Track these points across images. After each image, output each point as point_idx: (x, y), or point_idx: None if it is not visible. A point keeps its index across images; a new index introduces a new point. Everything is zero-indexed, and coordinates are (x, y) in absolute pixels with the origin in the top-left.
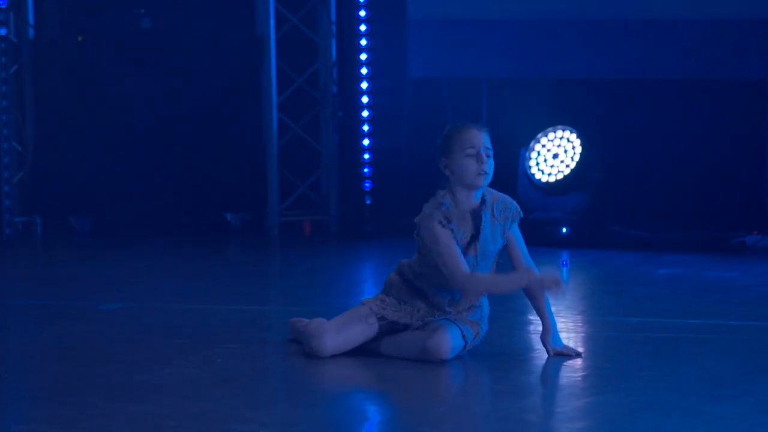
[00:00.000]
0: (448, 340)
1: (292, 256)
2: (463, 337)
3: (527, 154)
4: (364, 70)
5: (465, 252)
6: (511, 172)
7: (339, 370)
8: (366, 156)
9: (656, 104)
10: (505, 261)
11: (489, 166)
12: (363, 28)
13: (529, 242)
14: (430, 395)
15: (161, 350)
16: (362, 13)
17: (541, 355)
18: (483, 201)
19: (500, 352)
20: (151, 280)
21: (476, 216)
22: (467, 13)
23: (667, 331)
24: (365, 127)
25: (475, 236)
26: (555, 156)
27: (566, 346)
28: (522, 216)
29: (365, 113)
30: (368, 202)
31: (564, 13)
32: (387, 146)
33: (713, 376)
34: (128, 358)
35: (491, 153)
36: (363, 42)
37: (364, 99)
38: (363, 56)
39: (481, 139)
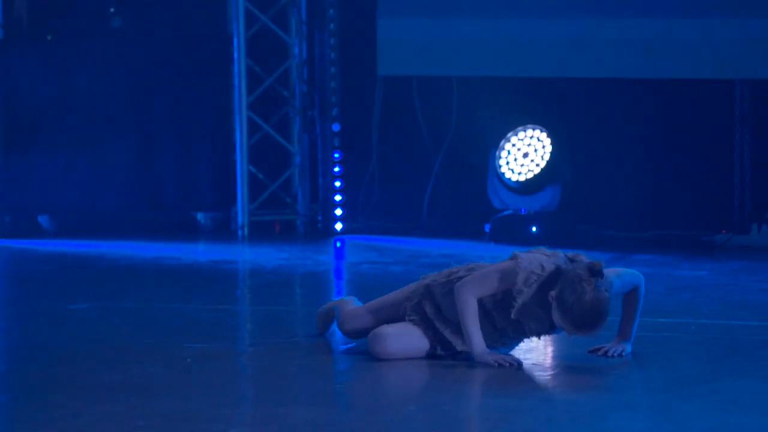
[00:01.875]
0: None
1: (262, 255)
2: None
3: (498, 153)
4: (333, 69)
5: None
6: (482, 171)
7: (309, 369)
8: (336, 155)
9: (626, 104)
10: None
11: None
12: (333, 26)
13: (499, 240)
14: (400, 394)
15: (130, 350)
16: (332, 11)
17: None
18: None
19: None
20: (120, 280)
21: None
22: (438, 12)
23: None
24: (335, 126)
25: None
26: (525, 155)
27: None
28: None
29: (335, 112)
30: (338, 200)
31: (536, 13)
32: (357, 145)
33: (682, 375)
34: (97, 358)
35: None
36: (333, 41)
37: (334, 98)
38: (333, 55)
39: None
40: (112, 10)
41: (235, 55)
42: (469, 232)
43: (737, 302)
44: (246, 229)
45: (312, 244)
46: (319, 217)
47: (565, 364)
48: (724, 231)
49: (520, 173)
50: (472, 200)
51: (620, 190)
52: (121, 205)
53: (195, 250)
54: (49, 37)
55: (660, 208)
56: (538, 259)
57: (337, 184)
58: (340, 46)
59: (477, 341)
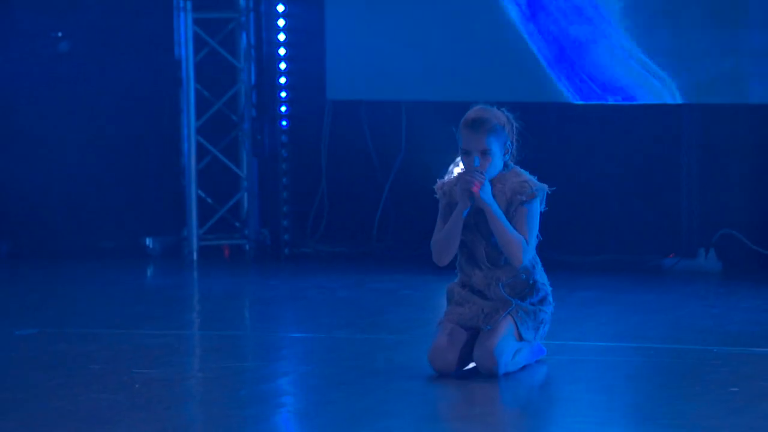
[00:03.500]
0: (492, 356)
1: (210, 280)
2: (519, 337)
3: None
4: (283, 94)
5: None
6: (432, 196)
7: (258, 395)
8: (284, 180)
9: (574, 129)
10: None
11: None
12: (282, 51)
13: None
14: (355, 417)
15: (78, 376)
16: (281, 36)
17: (458, 379)
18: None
19: (418, 374)
20: (68, 305)
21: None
22: (386, 36)
23: (583, 354)
24: (284, 151)
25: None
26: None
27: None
28: (526, 201)
29: (284, 137)
30: (287, 225)
31: (484, 37)
32: (306, 170)
33: (629, 399)
34: (44, 384)
35: (490, 152)
36: (282, 65)
37: (283, 122)
38: (282, 79)
39: (475, 142)
40: (59, 34)
41: (184, 80)
42: (418, 257)
43: (685, 326)
44: (195, 254)
45: (261, 268)
46: (268, 242)
47: (510, 390)
48: (671, 255)
49: None
50: (422, 225)
51: (568, 215)
52: (68, 229)
53: (144, 275)
54: None
55: (607, 232)
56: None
57: (286, 208)
58: (289, 71)
59: (454, 216)
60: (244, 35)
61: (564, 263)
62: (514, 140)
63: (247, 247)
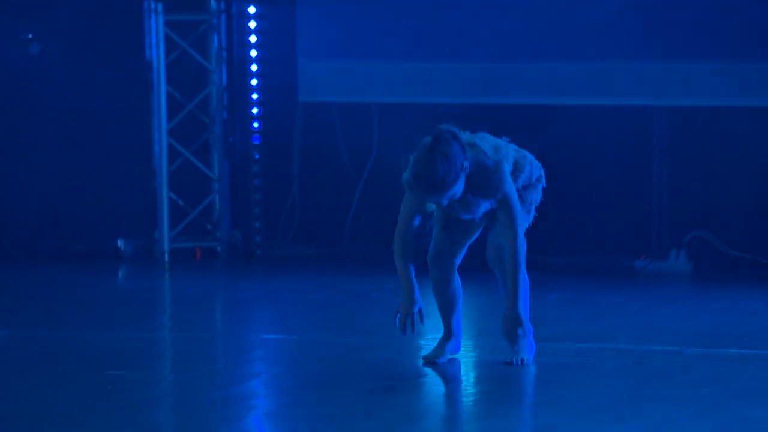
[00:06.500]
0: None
1: (182, 282)
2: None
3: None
4: (254, 96)
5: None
6: (401, 199)
7: (230, 397)
8: (256, 181)
9: (544, 130)
10: None
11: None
12: (254, 53)
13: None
14: (327, 419)
15: (49, 378)
16: (253, 38)
17: (431, 380)
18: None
19: (390, 376)
20: (39, 307)
21: None
22: (358, 38)
23: (555, 356)
24: (256, 153)
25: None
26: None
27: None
28: (497, 195)
29: (256, 139)
30: (258, 226)
31: (454, 39)
32: (277, 172)
33: (601, 400)
34: (15, 387)
35: (453, 196)
36: (254, 67)
37: (255, 124)
38: (254, 81)
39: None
40: (29, 36)
41: (155, 82)
42: (390, 259)
43: (656, 328)
44: (167, 256)
45: (233, 270)
46: (240, 244)
47: (485, 389)
48: (643, 257)
49: None
50: (394, 226)
51: (539, 217)
52: (40, 231)
53: (115, 277)
54: None
55: (579, 235)
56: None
57: (258, 210)
58: (260, 73)
59: (405, 291)
60: (215, 37)
61: (536, 265)
62: (463, 144)
63: (219, 249)
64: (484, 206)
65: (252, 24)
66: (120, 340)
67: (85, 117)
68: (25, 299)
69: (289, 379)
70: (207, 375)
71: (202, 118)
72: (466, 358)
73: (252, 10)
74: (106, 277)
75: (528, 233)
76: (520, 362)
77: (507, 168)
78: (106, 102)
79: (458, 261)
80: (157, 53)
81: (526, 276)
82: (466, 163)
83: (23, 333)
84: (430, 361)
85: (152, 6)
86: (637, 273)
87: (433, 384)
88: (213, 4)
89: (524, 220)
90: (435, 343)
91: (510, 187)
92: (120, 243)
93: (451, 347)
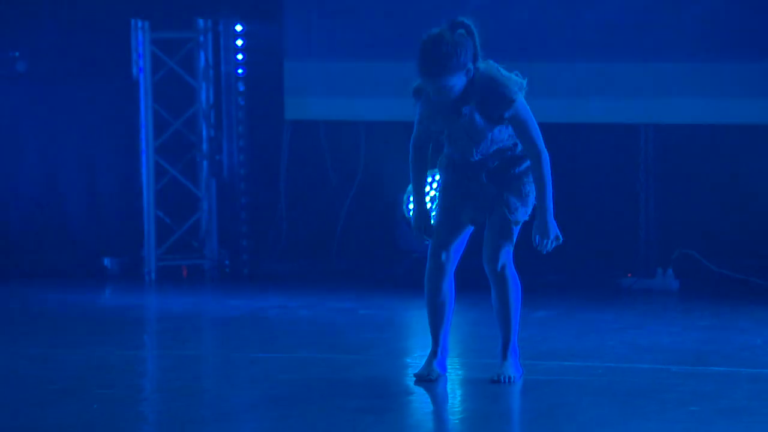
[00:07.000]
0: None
1: (169, 300)
2: (511, 220)
3: (406, 197)
4: (241, 114)
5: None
6: (391, 215)
7: (218, 415)
8: (243, 200)
9: None
10: None
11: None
12: (240, 71)
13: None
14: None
15: (35, 396)
16: (240, 56)
17: (418, 398)
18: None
19: (378, 394)
20: (26, 325)
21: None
22: (345, 56)
23: (542, 374)
24: (242, 171)
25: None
26: (433, 199)
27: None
28: (510, 110)
29: (243, 157)
30: (245, 244)
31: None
32: (265, 189)
33: (588, 418)
34: (1, 405)
35: (448, 87)
36: (240, 85)
37: (242, 142)
38: (240, 99)
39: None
40: (16, 54)
41: (142, 99)
42: (377, 276)
43: (643, 346)
44: (153, 274)
45: (219, 288)
46: (227, 261)
47: (474, 407)
48: (630, 274)
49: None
50: (381, 244)
51: (526, 234)
52: (26, 249)
53: (102, 295)
54: None
55: (566, 252)
56: None
57: (245, 228)
58: (247, 91)
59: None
60: (202, 55)
61: (522, 283)
62: (477, 49)
63: (206, 267)
64: (490, 134)
65: (239, 42)
66: (106, 357)
67: (71, 135)
68: (11, 317)
69: (276, 397)
70: (194, 393)
71: (189, 136)
72: (453, 376)
73: (239, 27)
74: (92, 295)
75: (515, 250)
76: (506, 380)
77: (521, 98)
78: (93, 119)
79: (453, 263)
80: (144, 71)
81: (551, 189)
82: (471, 67)
83: (9, 350)
84: (424, 379)
85: (139, 24)
86: (623, 290)
87: (421, 402)
88: (200, 22)
89: (539, 138)
90: (423, 361)
91: (522, 105)
92: (106, 261)
93: (439, 364)
